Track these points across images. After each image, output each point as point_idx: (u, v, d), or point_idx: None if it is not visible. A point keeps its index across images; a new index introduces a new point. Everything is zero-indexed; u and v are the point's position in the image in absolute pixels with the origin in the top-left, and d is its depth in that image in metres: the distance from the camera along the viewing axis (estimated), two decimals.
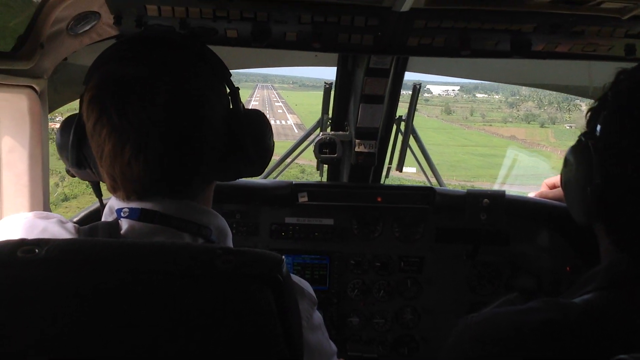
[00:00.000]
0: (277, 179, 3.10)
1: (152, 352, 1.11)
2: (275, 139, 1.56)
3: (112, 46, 1.39)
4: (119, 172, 1.29)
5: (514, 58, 2.00)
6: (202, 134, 1.33)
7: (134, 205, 1.32)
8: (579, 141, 1.32)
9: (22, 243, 1.09)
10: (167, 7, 1.79)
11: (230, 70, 1.46)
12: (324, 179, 3.10)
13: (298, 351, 1.17)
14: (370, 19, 1.83)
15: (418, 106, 2.99)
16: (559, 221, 2.70)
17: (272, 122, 1.56)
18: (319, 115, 3.03)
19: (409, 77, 2.91)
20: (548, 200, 2.69)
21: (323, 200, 2.73)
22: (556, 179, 2.70)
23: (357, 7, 1.78)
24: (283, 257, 1.14)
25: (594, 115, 1.30)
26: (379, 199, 2.72)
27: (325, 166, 3.02)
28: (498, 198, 2.63)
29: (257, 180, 2.93)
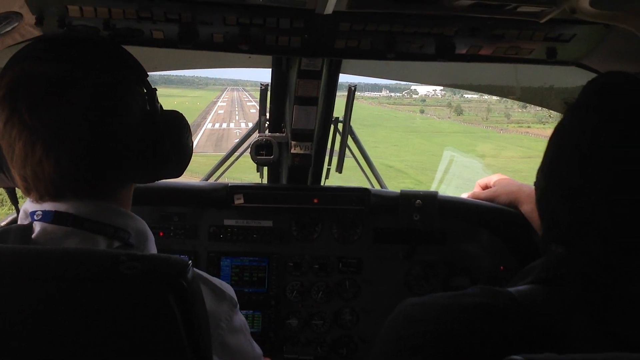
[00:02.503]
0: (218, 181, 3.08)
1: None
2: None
3: (26, 46, 1.38)
4: (31, 172, 1.27)
5: (439, 61, 2.03)
6: (116, 134, 1.33)
7: (47, 207, 1.30)
8: None
9: None
10: (88, 8, 1.76)
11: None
12: (265, 180, 3.09)
13: (205, 356, 1.17)
14: (296, 21, 1.84)
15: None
16: (490, 221, 2.76)
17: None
18: None
19: (348, 79, 2.89)
20: (480, 201, 2.74)
21: (261, 202, 2.73)
22: (488, 179, 2.76)
23: (282, 10, 1.79)
24: (189, 261, 1.14)
25: None
26: (316, 201, 2.73)
27: (265, 168, 3.01)
28: (430, 199, 2.67)
29: (194, 182, 2.91)
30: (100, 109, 1.30)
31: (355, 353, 2.90)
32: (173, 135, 1.46)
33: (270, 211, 2.78)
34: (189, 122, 1.55)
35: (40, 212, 1.30)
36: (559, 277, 1.23)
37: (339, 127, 2.92)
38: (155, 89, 1.46)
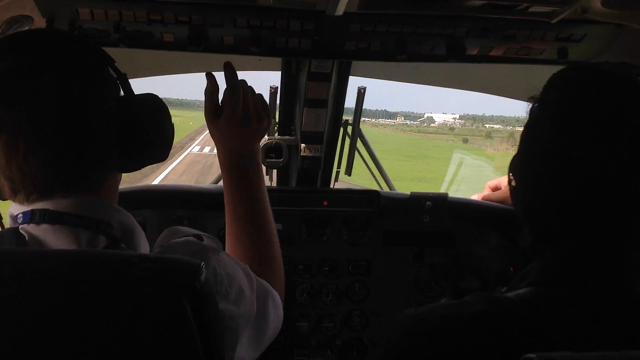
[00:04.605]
0: None
1: None
2: None
3: None
4: (17, 171, 1.23)
5: (449, 62, 2.03)
6: (96, 121, 1.30)
7: (35, 207, 1.26)
8: None
9: None
10: (99, 11, 1.77)
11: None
12: (274, 183, 3.09)
13: (217, 357, 1.17)
14: (306, 23, 1.84)
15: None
16: (501, 223, 2.74)
17: None
18: None
19: (358, 82, 2.81)
20: (491, 202, 2.73)
21: (270, 205, 2.72)
22: (498, 181, 2.74)
23: (292, 11, 1.79)
24: (202, 263, 1.13)
25: None
26: (325, 203, 2.73)
27: (274, 171, 3.01)
28: (440, 200, 2.66)
29: (204, 185, 2.91)
30: (76, 96, 1.26)
31: (365, 356, 2.89)
32: (152, 117, 1.41)
33: (279, 214, 2.76)
34: (174, 142, 1.50)
35: (21, 215, 1.27)
36: (555, 279, 1.22)
37: (348, 130, 2.92)
38: (126, 74, 1.42)
